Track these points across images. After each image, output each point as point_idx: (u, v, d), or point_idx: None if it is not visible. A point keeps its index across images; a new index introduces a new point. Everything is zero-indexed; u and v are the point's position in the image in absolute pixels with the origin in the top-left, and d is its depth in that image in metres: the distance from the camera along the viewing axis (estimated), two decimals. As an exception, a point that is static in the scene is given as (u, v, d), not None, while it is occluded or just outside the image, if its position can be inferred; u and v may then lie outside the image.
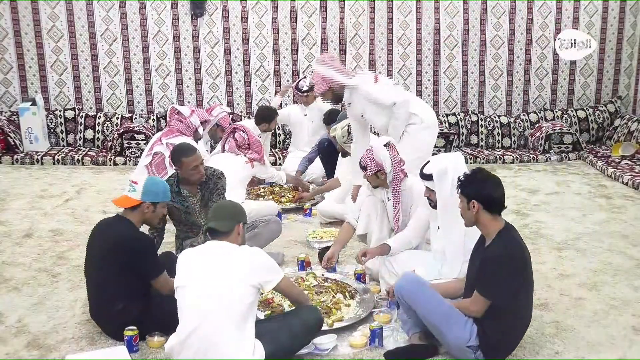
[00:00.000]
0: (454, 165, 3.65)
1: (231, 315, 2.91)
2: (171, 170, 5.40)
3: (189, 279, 3.02)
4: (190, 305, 2.97)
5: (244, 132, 5.54)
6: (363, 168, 4.23)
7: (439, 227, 3.82)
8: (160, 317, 3.33)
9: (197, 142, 5.78)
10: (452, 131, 8.37)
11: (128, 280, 3.39)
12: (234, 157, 5.42)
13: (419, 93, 8.88)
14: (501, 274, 3.06)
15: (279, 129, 8.41)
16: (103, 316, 3.50)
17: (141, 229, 3.62)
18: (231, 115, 7.41)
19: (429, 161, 3.77)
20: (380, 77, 5.13)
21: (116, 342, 3.45)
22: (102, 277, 3.43)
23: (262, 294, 3.75)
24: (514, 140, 8.79)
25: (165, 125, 6.38)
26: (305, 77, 7.37)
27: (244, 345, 2.93)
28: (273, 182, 6.62)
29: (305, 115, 7.23)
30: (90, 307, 3.59)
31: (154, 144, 5.63)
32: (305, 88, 7.03)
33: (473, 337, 3.15)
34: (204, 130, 5.96)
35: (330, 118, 6.21)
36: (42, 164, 7.64)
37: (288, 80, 8.58)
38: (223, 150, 5.65)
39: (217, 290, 2.93)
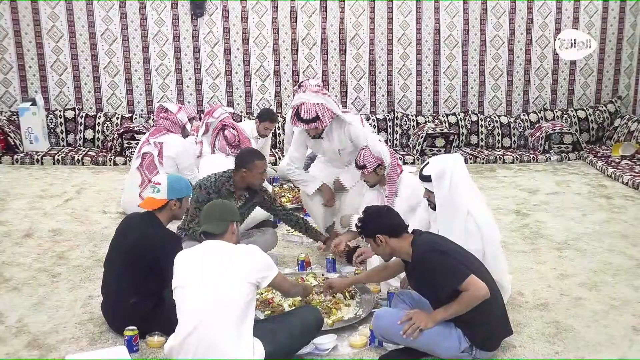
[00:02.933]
0: (452, 167, 3.65)
1: (230, 315, 2.91)
2: (162, 169, 5.39)
3: (187, 279, 3.02)
4: (189, 306, 2.97)
5: (233, 128, 5.47)
6: (362, 167, 4.30)
7: (438, 229, 3.83)
8: (168, 317, 3.32)
9: (185, 138, 5.77)
10: (452, 131, 8.37)
11: (146, 277, 3.42)
12: (225, 158, 5.29)
13: (419, 93, 8.90)
14: (446, 260, 3.13)
15: (278, 129, 8.41)
16: (115, 309, 3.52)
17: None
18: (232, 116, 7.41)
19: (428, 162, 3.77)
20: (364, 120, 4.92)
21: (116, 342, 3.45)
22: (121, 271, 3.46)
23: (261, 294, 3.78)
24: (514, 140, 8.79)
25: (153, 125, 6.34)
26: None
27: (243, 345, 2.92)
28: (274, 183, 6.62)
29: None
30: (103, 299, 3.61)
31: (142, 145, 5.61)
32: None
33: (462, 340, 3.17)
34: (191, 127, 5.93)
35: None
36: (42, 164, 7.65)
37: (288, 80, 8.59)
38: (213, 149, 5.57)
39: (216, 290, 2.94)
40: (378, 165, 4.26)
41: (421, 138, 8.13)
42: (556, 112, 8.96)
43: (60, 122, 8.30)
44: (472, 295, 3.07)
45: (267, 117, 6.58)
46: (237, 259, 3.03)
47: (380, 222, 3.32)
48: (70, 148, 8.18)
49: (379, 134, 8.57)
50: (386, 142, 8.63)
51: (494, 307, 3.22)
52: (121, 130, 7.84)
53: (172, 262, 3.36)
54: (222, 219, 3.19)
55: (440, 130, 8.24)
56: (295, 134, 4.97)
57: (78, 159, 7.74)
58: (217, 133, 5.49)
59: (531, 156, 8.26)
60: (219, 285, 2.95)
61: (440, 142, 8.12)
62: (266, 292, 3.83)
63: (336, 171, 4.96)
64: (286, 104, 8.68)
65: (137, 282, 3.42)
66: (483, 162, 8.15)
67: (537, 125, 8.71)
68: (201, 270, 3.02)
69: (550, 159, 8.21)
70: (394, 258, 3.45)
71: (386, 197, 4.33)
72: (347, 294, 3.90)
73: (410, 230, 3.38)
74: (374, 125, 8.60)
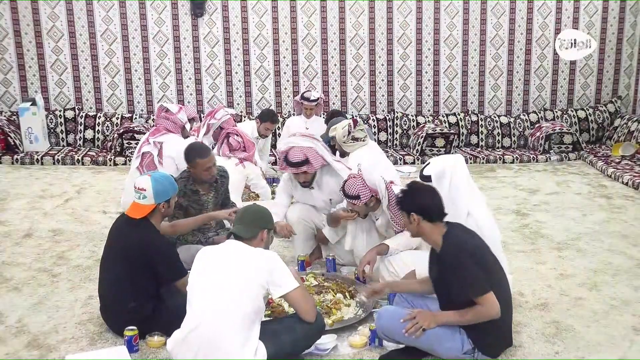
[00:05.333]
0: (452, 167, 3.65)
1: (236, 317, 2.91)
2: (161, 169, 5.40)
3: (200, 276, 3.04)
4: (197, 303, 2.98)
5: (238, 135, 5.56)
6: (354, 197, 4.01)
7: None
8: (168, 318, 3.33)
9: (185, 139, 5.78)
10: (452, 131, 8.37)
11: (143, 280, 3.42)
12: (226, 160, 5.43)
13: (419, 93, 8.90)
14: (471, 267, 3.07)
15: (279, 129, 8.41)
16: (113, 313, 3.52)
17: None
18: (234, 117, 7.41)
19: (429, 162, 3.77)
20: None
21: (116, 342, 3.45)
22: (118, 275, 3.45)
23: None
24: (514, 140, 8.80)
25: (153, 125, 6.38)
26: (310, 90, 7.43)
27: (247, 345, 2.92)
28: (274, 183, 6.61)
29: (307, 128, 7.27)
30: (101, 303, 3.61)
31: (142, 144, 5.63)
32: (312, 97, 7.05)
33: (465, 342, 3.16)
34: (191, 128, 5.95)
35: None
36: (42, 164, 7.65)
37: (288, 80, 8.61)
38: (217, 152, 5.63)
39: (224, 291, 2.94)
40: (371, 197, 4.04)
41: (421, 138, 8.13)
42: (556, 112, 8.96)
43: (60, 122, 8.30)
44: (484, 311, 3.05)
45: (268, 117, 6.62)
46: (252, 264, 3.02)
47: (419, 202, 3.23)
48: (70, 148, 8.18)
49: (378, 134, 8.59)
50: (385, 142, 8.63)
51: (506, 319, 3.21)
52: (121, 130, 7.84)
53: (173, 266, 3.38)
54: (254, 224, 3.19)
55: (440, 130, 8.24)
56: (281, 182, 4.66)
57: (78, 159, 7.74)
58: (222, 140, 5.58)
59: (531, 156, 8.26)
60: (228, 286, 2.95)
61: (440, 142, 8.12)
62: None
63: (317, 216, 4.60)
64: (286, 104, 8.70)
65: (135, 284, 3.41)
66: (483, 162, 8.15)
67: (537, 125, 8.71)
68: (215, 270, 3.03)
69: (550, 159, 8.21)
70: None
71: (377, 220, 4.20)
72: (347, 294, 3.90)
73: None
74: (374, 125, 8.60)
